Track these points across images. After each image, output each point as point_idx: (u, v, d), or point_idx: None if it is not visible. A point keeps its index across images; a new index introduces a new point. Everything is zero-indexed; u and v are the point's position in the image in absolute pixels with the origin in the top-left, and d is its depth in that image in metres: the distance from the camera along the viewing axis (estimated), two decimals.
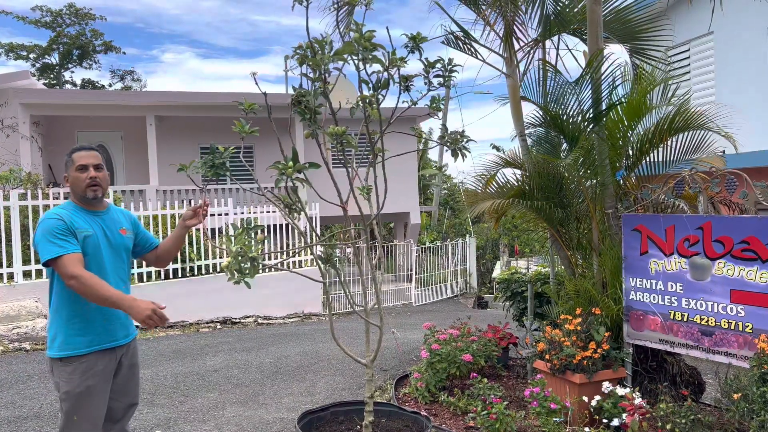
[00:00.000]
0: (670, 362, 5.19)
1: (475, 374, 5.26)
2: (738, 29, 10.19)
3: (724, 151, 5.20)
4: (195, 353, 7.35)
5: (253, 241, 2.67)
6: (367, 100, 3.03)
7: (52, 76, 29.12)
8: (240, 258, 2.59)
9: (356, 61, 2.67)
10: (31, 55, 28.48)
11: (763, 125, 9.06)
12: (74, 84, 29.75)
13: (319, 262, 3.02)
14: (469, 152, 3.53)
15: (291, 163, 2.71)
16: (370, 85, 3.06)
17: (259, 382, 5.98)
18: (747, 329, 4.20)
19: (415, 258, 15.59)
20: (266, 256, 10.62)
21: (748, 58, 10.01)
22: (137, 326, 3.08)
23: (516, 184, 5.80)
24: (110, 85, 30.71)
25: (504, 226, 26.54)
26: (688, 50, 11.14)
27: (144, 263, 10.08)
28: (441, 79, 3.37)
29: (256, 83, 2.77)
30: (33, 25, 27.65)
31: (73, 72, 30.26)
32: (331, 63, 2.68)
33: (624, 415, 4.36)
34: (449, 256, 16.65)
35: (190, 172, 3.04)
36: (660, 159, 5.32)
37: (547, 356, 4.90)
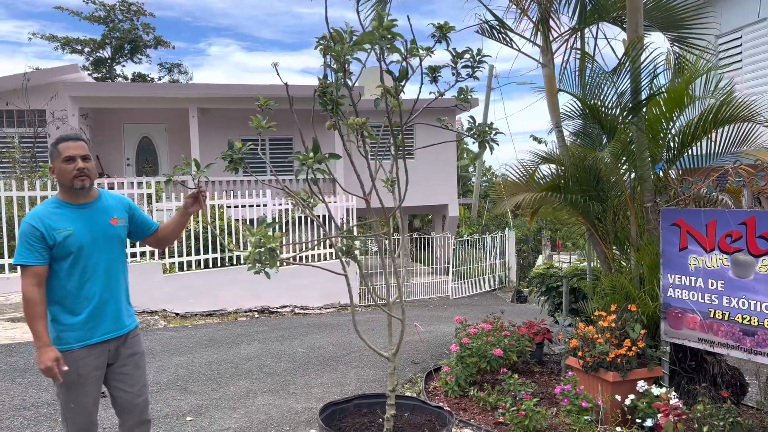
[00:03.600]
0: (711, 362, 5.00)
1: (505, 369, 5.19)
2: None
3: None
4: (230, 342, 7.48)
5: (272, 232, 2.67)
6: (390, 92, 3.00)
7: (104, 70, 29.99)
8: (259, 249, 2.60)
9: (377, 51, 2.63)
10: (86, 50, 29.38)
11: None
12: (125, 77, 30.59)
13: (340, 255, 3.01)
14: (498, 144, 3.46)
15: (311, 154, 2.70)
16: (394, 76, 3.02)
17: (290, 372, 6.04)
18: None
19: (452, 251, 15.47)
20: (294, 247, 10.71)
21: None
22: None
23: (551, 177, 5.66)
24: (159, 78, 31.42)
25: (545, 218, 26.12)
26: (740, 38, 10.65)
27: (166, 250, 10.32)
28: (469, 70, 3.30)
29: (278, 74, 2.77)
30: (87, 21, 28.51)
31: (124, 66, 31.11)
32: (353, 53, 2.65)
33: (658, 416, 4.23)
34: (488, 249, 16.47)
35: (179, 174, 3.08)
36: (703, 152, 5.11)
37: (579, 353, 4.78)
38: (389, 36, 2.49)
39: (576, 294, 6.26)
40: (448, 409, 3.44)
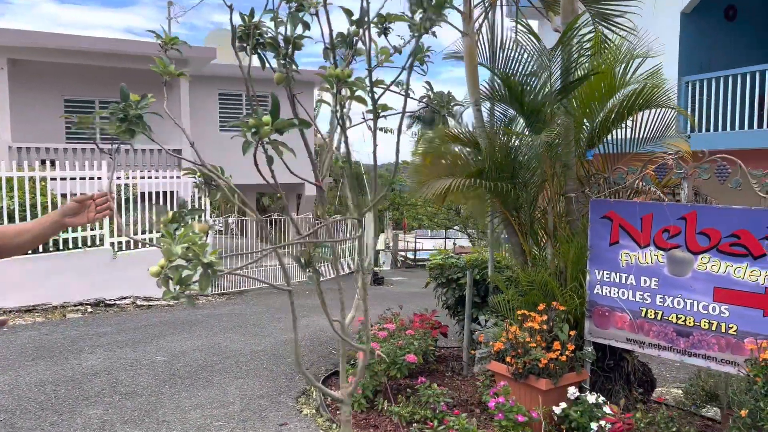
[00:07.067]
0: (628, 360, 4.82)
1: (423, 378, 4.58)
2: (651, 13, 10.18)
3: (689, 136, 4.84)
4: (66, 349, 6.01)
5: (202, 237, 1.71)
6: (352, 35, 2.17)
7: None
8: (187, 264, 1.63)
9: None
10: None
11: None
12: None
13: (296, 265, 2.11)
14: (455, 117, 2.79)
15: (267, 119, 1.77)
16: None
17: (154, 390, 4.87)
18: (731, 331, 3.83)
19: None
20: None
21: (660, 44, 10.05)
22: None
23: (475, 163, 5.12)
24: None
25: (392, 200, 26.26)
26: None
27: None
28: (428, 23, 2.58)
29: (231, 19, 1.78)
30: None
31: None
32: None
33: (593, 425, 3.89)
34: (348, 230, 15.89)
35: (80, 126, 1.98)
36: (628, 136, 4.86)
37: (508, 359, 4.29)
38: None
39: (478, 287, 5.83)
40: None
